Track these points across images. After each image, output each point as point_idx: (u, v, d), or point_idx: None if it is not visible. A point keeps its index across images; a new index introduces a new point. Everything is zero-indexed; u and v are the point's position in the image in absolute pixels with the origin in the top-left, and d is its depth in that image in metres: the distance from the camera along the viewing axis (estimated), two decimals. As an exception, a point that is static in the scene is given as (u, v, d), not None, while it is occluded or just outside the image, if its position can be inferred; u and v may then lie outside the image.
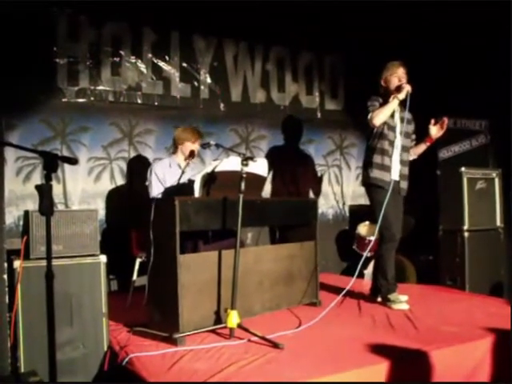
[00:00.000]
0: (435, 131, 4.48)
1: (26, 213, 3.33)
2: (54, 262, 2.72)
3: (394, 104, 4.28)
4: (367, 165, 4.48)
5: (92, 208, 4.62)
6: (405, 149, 4.48)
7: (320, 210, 6.21)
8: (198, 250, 4.15)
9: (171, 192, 4.26)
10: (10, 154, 4.89)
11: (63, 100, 5.29)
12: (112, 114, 5.56)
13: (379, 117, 4.25)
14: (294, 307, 4.32)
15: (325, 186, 6.85)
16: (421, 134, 4.59)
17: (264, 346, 3.29)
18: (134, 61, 5.67)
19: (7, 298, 3.09)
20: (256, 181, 3.97)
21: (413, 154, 4.60)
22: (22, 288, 3.16)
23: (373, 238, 4.61)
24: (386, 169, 4.38)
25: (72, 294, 3.31)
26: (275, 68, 6.54)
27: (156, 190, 4.48)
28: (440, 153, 5.84)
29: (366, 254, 4.54)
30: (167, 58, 5.85)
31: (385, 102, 4.32)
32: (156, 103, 5.78)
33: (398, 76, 4.37)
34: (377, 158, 4.39)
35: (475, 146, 6.02)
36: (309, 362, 2.99)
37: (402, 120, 4.39)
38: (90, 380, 3.33)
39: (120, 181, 5.61)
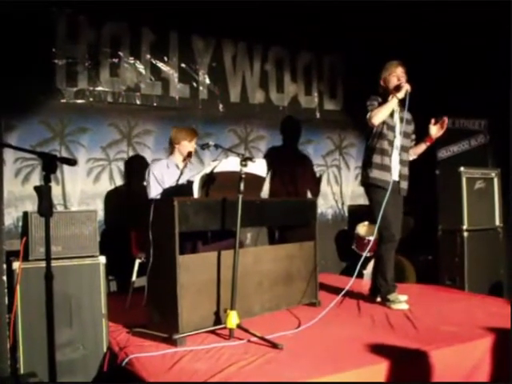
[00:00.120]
0: (435, 131, 4.48)
1: (25, 214, 3.32)
2: (54, 263, 2.72)
3: (392, 103, 4.28)
4: (366, 165, 4.47)
5: (91, 209, 4.59)
6: (404, 149, 4.48)
7: (319, 210, 6.23)
8: (198, 250, 4.15)
9: (170, 193, 4.26)
10: (8, 155, 4.89)
11: (62, 101, 5.29)
12: (111, 114, 5.56)
13: (378, 116, 4.26)
14: (294, 307, 4.32)
15: (324, 186, 6.84)
16: (421, 133, 4.59)
17: (263, 346, 3.29)
18: (132, 62, 5.67)
19: (6, 299, 3.09)
20: (255, 181, 3.97)
21: (413, 154, 4.60)
22: (22, 289, 3.16)
23: (372, 238, 4.61)
24: (386, 169, 4.37)
25: (71, 295, 3.31)
26: (274, 68, 6.54)
27: (154, 192, 4.48)
28: (439, 153, 5.85)
29: (365, 254, 4.54)
30: (166, 58, 5.85)
31: (384, 102, 4.32)
32: (155, 104, 5.78)
33: (397, 75, 4.37)
34: (376, 158, 4.39)
35: (474, 145, 6.02)
36: (308, 363, 3.00)
37: (401, 120, 4.39)
38: (89, 381, 3.33)
39: (119, 181, 5.61)
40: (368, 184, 4.46)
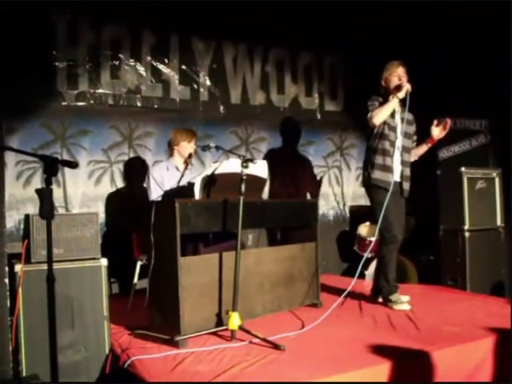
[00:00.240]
0: (437, 132, 4.48)
1: (27, 217, 3.32)
2: (55, 266, 2.73)
3: (393, 103, 4.27)
4: (368, 165, 4.47)
5: (92, 211, 4.62)
6: (406, 149, 4.47)
7: (320, 211, 6.23)
8: (199, 252, 4.16)
9: (171, 195, 4.26)
10: (10, 158, 4.90)
11: (63, 103, 5.29)
12: (112, 117, 5.56)
13: (379, 116, 4.25)
14: (296, 309, 4.32)
15: (325, 187, 6.85)
16: (421, 134, 4.59)
17: (265, 347, 3.29)
18: (133, 64, 5.68)
19: (8, 301, 3.09)
20: (256, 183, 3.97)
21: (413, 155, 4.59)
22: (24, 292, 3.16)
23: (373, 239, 4.61)
24: (388, 169, 4.37)
25: (73, 298, 3.31)
26: (274, 69, 6.54)
27: (155, 194, 4.48)
28: (440, 153, 5.84)
29: (367, 254, 4.54)
30: (166, 60, 5.85)
31: (385, 102, 4.31)
32: (155, 106, 5.78)
33: (397, 75, 4.36)
34: (378, 159, 4.39)
35: (475, 145, 6.02)
36: (310, 363, 3.00)
37: (403, 120, 4.38)
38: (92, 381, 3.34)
39: (120, 184, 5.61)
40: (369, 185, 4.45)
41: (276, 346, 3.26)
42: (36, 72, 5.05)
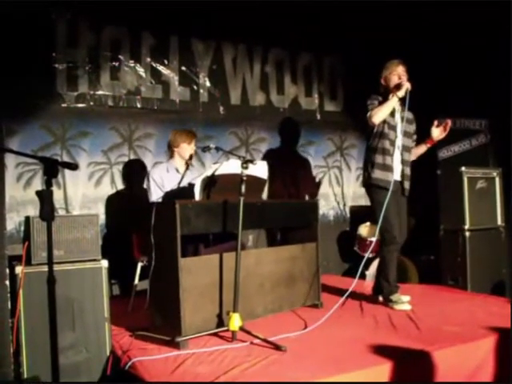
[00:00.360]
0: (437, 133, 4.47)
1: (27, 218, 3.33)
2: (56, 268, 2.73)
3: (393, 102, 4.26)
4: (368, 165, 4.46)
5: (93, 213, 4.63)
6: (406, 148, 4.46)
7: (321, 212, 6.23)
8: (199, 253, 4.16)
9: (171, 196, 4.26)
10: (10, 159, 4.90)
11: (63, 105, 5.30)
12: (112, 118, 5.57)
13: (378, 115, 4.24)
14: (296, 309, 4.32)
15: (325, 188, 6.86)
16: (421, 134, 4.59)
17: (266, 348, 3.29)
18: (132, 65, 5.69)
19: (9, 303, 3.09)
20: (256, 183, 3.97)
21: (413, 155, 4.58)
22: (24, 294, 3.16)
23: (374, 239, 4.60)
24: (388, 169, 4.36)
25: (74, 299, 3.31)
26: (274, 70, 6.55)
27: (155, 196, 4.47)
28: (440, 152, 5.84)
29: (368, 255, 4.54)
30: (166, 61, 5.86)
31: (385, 101, 4.30)
32: (155, 107, 5.79)
33: (397, 74, 4.35)
34: (378, 158, 4.38)
35: (475, 145, 6.01)
36: (311, 364, 3.00)
37: (403, 119, 4.37)
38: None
39: (120, 185, 5.61)
40: (369, 184, 4.44)
41: (277, 347, 3.25)
42: (36, 73, 5.05)
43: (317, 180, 6.61)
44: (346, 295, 4.14)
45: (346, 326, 3.81)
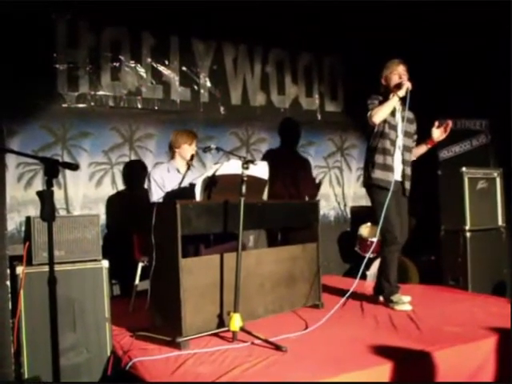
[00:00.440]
0: (438, 134, 4.47)
1: (28, 219, 3.33)
2: (57, 268, 2.72)
3: (393, 101, 4.25)
4: (368, 165, 4.45)
5: (94, 213, 4.63)
6: (407, 148, 4.45)
7: (321, 212, 6.21)
8: (200, 253, 4.15)
9: (172, 196, 4.26)
10: (11, 160, 4.90)
11: (63, 105, 5.30)
12: (112, 118, 5.57)
13: (378, 114, 4.23)
14: (297, 309, 4.31)
15: (326, 188, 6.86)
16: (421, 134, 4.58)
17: (267, 348, 3.29)
18: (133, 65, 5.69)
19: (10, 303, 3.09)
20: (257, 184, 3.97)
21: (412, 155, 4.57)
22: (25, 294, 3.16)
23: (375, 240, 4.60)
24: (389, 169, 4.35)
25: (75, 300, 3.31)
26: (275, 70, 6.55)
27: (156, 196, 4.47)
28: (441, 153, 5.85)
29: (369, 255, 4.53)
30: (167, 62, 5.86)
31: (385, 101, 4.29)
32: (156, 107, 5.79)
33: (398, 73, 4.34)
34: (378, 158, 4.37)
35: (476, 145, 6.01)
36: (312, 364, 3.00)
37: (403, 119, 4.35)
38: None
39: (121, 185, 5.62)
40: (370, 185, 4.44)
41: (278, 347, 3.25)
42: (36, 74, 5.05)
43: (317, 181, 6.60)
44: (346, 295, 4.14)
45: (346, 327, 3.81)
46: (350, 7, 5.69)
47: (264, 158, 6.23)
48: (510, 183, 5.56)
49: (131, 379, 3.03)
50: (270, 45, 6.47)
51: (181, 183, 4.39)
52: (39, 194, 2.66)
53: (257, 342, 3.39)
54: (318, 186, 6.49)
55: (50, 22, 5.23)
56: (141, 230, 4.33)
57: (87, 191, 5.42)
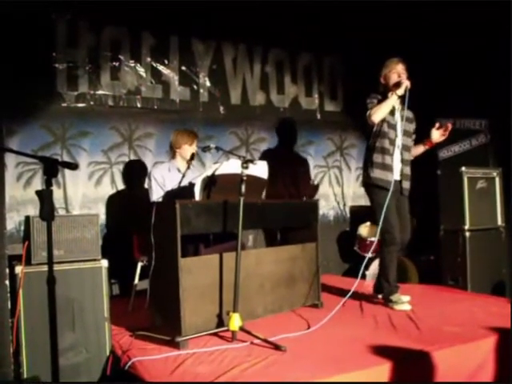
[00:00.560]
0: (437, 136, 4.46)
1: (27, 218, 3.33)
2: (56, 267, 2.72)
3: (392, 100, 4.24)
4: (367, 165, 4.45)
5: (93, 213, 4.63)
6: (406, 148, 4.45)
7: (321, 212, 6.23)
8: (199, 253, 4.15)
9: (172, 195, 4.26)
10: (10, 159, 4.90)
11: (63, 105, 5.30)
12: (112, 118, 5.56)
13: (377, 114, 4.22)
14: (297, 309, 4.31)
15: (325, 188, 6.86)
16: (420, 134, 4.58)
17: (266, 348, 3.29)
18: (133, 65, 5.68)
19: (9, 303, 3.09)
20: (256, 183, 3.97)
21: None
22: (24, 293, 3.16)
23: (374, 239, 4.60)
24: (388, 168, 4.34)
25: (74, 299, 3.31)
26: (274, 70, 6.54)
27: (156, 195, 4.47)
28: (440, 152, 5.86)
29: (368, 255, 4.53)
30: (166, 61, 5.85)
31: (384, 100, 4.28)
32: (155, 107, 5.78)
33: (397, 72, 4.33)
34: (377, 158, 4.37)
35: (475, 145, 6.02)
36: (311, 364, 2.99)
37: (402, 118, 4.35)
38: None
39: (121, 185, 5.61)
40: (369, 184, 4.44)
41: (277, 347, 3.25)
42: (36, 73, 5.05)
43: (315, 183, 6.60)
44: (348, 295, 4.12)
45: (346, 326, 3.81)
46: (350, 7, 5.68)
47: (262, 158, 6.23)
48: (510, 183, 5.56)
49: (130, 379, 3.03)
50: (270, 45, 6.46)
51: (180, 182, 4.39)
52: (38, 193, 2.66)
53: (256, 341, 3.39)
54: (315, 188, 6.49)
55: (49, 21, 5.22)
56: (140, 230, 4.33)
57: (86, 191, 5.42)
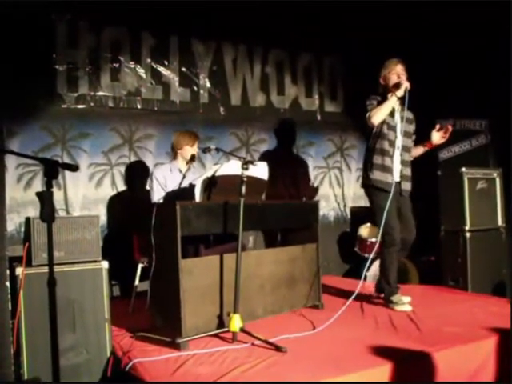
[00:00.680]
0: (437, 138, 4.45)
1: (28, 220, 3.33)
2: (56, 269, 2.72)
3: (392, 101, 4.23)
4: (367, 166, 4.44)
5: (93, 214, 4.61)
6: (406, 149, 4.44)
7: (321, 212, 6.22)
8: (200, 254, 4.15)
9: (172, 197, 4.26)
10: (10, 161, 4.90)
11: (63, 106, 5.30)
12: (112, 119, 5.57)
13: (377, 115, 4.21)
14: (297, 310, 4.31)
15: (326, 188, 6.86)
16: (419, 134, 4.57)
17: (267, 349, 3.29)
18: (133, 66, 5.68)
19: (10, 304, 3.08)
20: (257, 184, 3.97)
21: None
22: (25, 295, 3.16)
23: (374, 240, 4.59)
24: (387, 170, 4.34)
25: (74, 300, 3.31)
26: (274, 71, 6.54)
27: (157, 196, 4.47)
28: (440, 153, 5.85)
29: (369, 256, 4.52)
30: (166, 62, 5.85)
31: (384, 101, 4.27)
32: (156, 108, 5.78)
33: (396, 73, 4.32)
34: (377, 159, 4.36)
35: (475, 146, 6.01)
36: (312, 365, 2.99)
37: (402, 119, 4.34)
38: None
39: (121, 186, 5.61)
40: (369, 186, 4.43)
41: (277, 348, 3.25)
42: (36, 74, 5.05)
43: (315, 185, 6.60)
44: (352, 297, 4.09)
45: (346, 327, 3.80)
46: (350, 7, 5.69)
47: (262, 159, 6.22)
48: (510, 183, 5.55)
49: (131, 380, 3.03)
50: (270, 45, 6.46)
51: (181, 183, 4.39)
52: (39, 194, 2.66)
53: (257, 342, 3.39)
54: (315, 190, 6.49)
55: (49, 22, 5.22)
56: (140, 231, 4.33)
57: (87, 192, 5.42)
